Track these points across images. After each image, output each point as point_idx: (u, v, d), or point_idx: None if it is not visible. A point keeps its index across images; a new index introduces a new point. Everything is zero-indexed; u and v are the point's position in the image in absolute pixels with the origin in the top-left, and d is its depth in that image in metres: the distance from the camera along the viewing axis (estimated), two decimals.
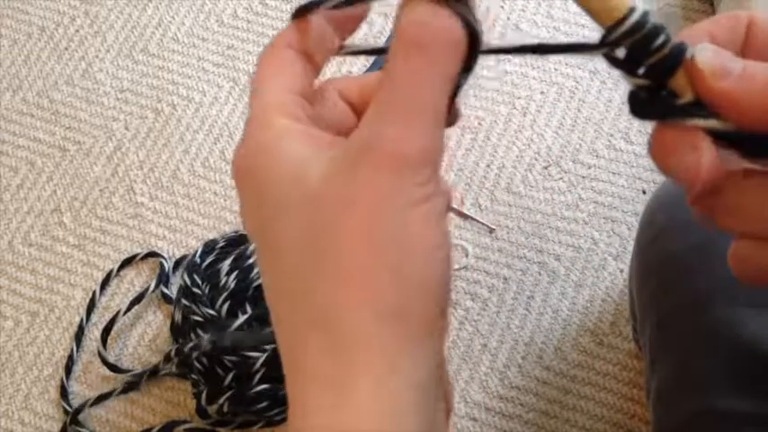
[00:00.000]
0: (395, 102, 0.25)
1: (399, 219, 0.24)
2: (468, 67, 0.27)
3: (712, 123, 0.26)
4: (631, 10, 0.26)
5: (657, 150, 0.27)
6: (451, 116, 0.27)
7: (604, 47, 0.27)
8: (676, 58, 0.26)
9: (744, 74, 0.25)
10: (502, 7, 0.90)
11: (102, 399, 0.76)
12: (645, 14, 0.26)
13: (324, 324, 0.24)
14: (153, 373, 0.76)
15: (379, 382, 0.23)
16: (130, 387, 0.76)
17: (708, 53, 0.26)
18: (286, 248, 0.25)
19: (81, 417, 0.76)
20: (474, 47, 0.28)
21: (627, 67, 0.27)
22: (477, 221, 0.79)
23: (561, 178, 0.81)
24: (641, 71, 0.27)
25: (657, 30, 0.26)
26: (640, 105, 0.28)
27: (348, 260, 0.24)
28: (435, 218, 0.24)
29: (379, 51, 0.33)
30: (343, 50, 0.31)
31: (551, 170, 0.81)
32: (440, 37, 0.26)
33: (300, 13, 0.30)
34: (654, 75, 0.27)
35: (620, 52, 0.27)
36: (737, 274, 0.27)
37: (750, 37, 0.28)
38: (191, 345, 0.69)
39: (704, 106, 0.26)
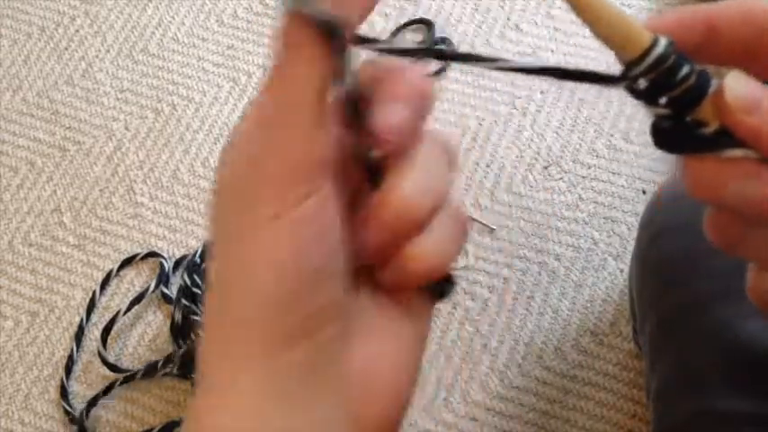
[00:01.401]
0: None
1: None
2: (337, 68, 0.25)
3: (746, 153, 0.25)
4: (654, 41, 0.25)
5: (701, 183, 0.26)
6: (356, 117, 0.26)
7: (626, 80, 0.25)
8: (702, 89, 0.25)
9: None
10: (501, 7, 0.90)
11: (97, 399, 0.76)
12: (669, 45, 0.25)
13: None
14: (150, 371, 0.76)
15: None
16: (126, 380, 0.76)
17: (736, 85, 0.25)
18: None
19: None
20: (338, 42, 0.25)
21: (648, 98, 0.26)
22: (477, 221, 0.79)
23: (561, 178, 0.81)
24: (663, 100, 0.25)
25: (682, 61, 0.25)
26: (664, 137, 0.26)
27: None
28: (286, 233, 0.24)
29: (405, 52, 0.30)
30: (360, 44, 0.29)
31: (551, 170, 0.81)
32: (286, 45, 0.25)
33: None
34: (677, 106, 0.26)
35: (642, 81, 0.25)
36: (760, 306, 0.27)
37: (711, 35, 0.26)
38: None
39: (732, 136, 0.25)
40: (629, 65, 0.25)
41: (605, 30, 0.25)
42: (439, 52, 0.28)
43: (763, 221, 0.26)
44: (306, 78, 0.25)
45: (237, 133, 0.25)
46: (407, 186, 0.25)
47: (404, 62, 0.27)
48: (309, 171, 0.24)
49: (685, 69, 0.25)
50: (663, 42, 0.25)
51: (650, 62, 0.25)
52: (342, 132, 0.26)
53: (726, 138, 0.25)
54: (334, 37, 0.25)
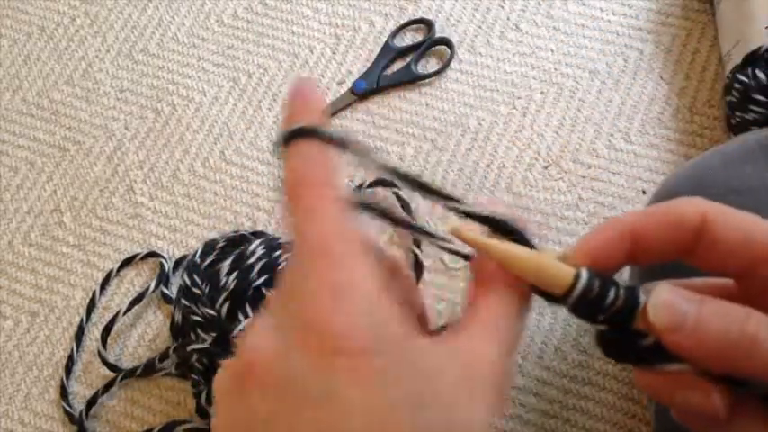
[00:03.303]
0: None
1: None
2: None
3: (682, 367, 0.26)
4: (576, 278, 0.26)
5: (650, 391, 0.27)
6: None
7: (561, 305, 0.27)
8: (631, 308, 0.26)
9: (697, 326, 0.25)
10: (501, 7, 0.90)
11: (96, 397, 0.76)
12: (590, 278, 0.26)
13: None
14: (148, 369, 0.76)
15: None
16: (126, 377, 0.76)
17: (660, 302, 0.26)
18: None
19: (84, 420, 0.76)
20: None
21: (585, 318, 0.28)
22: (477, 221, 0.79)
23: (561, 178, 0.81)
24: (600, 317, 0.27)
25: (606, 288, 0.26)
26: (609, 347, 0.28)
27: None
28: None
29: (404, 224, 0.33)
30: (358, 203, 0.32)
31: (551, 170, 0.81)
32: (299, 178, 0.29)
33: (295, 137, 0.29)
34: (613, 323, 0.27)
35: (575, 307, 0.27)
36: None
37: (706, 236, 0.27)
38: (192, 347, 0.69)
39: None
40: (558, 299, 0.27)
41: (532, 276, 0.27)
42: (415, 227, 0.31)
43: (711, 426, 0.27)
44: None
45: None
46: None
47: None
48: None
49: (611, 296, 0.26)
50: (584, 276, 0.27)
51: (576, 296, 0.27)
52: None
53: (664, 350, 0.26)
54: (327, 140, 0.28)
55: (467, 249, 0.30)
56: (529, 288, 0.28)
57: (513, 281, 0.28)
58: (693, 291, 0.26)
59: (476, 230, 0.28)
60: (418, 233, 0.31)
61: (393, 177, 0.31)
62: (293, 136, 0.28)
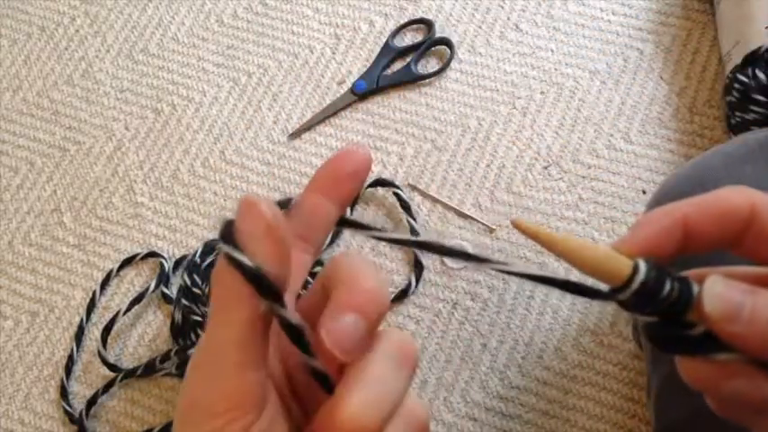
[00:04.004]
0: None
1: None
2: (274, 295, 0.25)
3: (733, 356, 0.26)
4: (635, 270, 0.26)
5: (696, 382, 0.27)
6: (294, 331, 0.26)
7: (613, 298, 0.27)
8: (685, 300, 0.26)
9: (753, 316, 0.25)
10: (501, 7, 0.90)
11: (96, 397, 0.76)
12: (649, 270, 0.26)
13: None
14: (148, 369, 0.76)
15: None
16: (126, 377, 0.76)
17: (716, 294, 0.26)
18: None
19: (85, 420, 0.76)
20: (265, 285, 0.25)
21: (637, 311, 0.27)
22: (477, 221, 0.80)
23: (561, 178, 0.81)
24: (653, 309, 0.27)
25: (662, 280, 0.26)
26: (656, 338, 0.28)
27: None
28: None
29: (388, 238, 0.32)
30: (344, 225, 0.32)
31: (551, 170, 0.81)
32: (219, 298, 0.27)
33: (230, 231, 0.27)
34: (664, 316, 0.27)
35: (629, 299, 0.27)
36: None
37: (754, 226, 0.27)
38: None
39: (717, 337, 0.26)
40: (613, 291, 0.27)
41: (589, 268, 0.27)
42: (423, 244, 0.30)
43: (757, 414, 0.27)
44: (232, 322, 0.25)
45: (186, 372, 0.27)
46: (354, 403, 0.25)
47: (365, 267, 0.27)
48: (241, 405, 0.25)
49: (667, 287, 0.26)
50: (643, 269, 0.26)
51: (634, 289, 0.26)
52: (290, 349, 0.27)
53: (712, 340, 0.26)
54: (261, 285, 0.25)
55: (469, 249, 0.30)
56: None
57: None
58: (738, 280, 0.26)
59: (537, 225, 0.28)
60: (415, 247, 0.31)
61: (402, 244, 0.31)
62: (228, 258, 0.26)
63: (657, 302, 0.26)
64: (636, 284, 0.26)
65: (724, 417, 0.28)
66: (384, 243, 0.80)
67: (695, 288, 0.26)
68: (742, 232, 0.27)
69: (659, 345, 0.28)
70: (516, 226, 0.28)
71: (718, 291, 0.26)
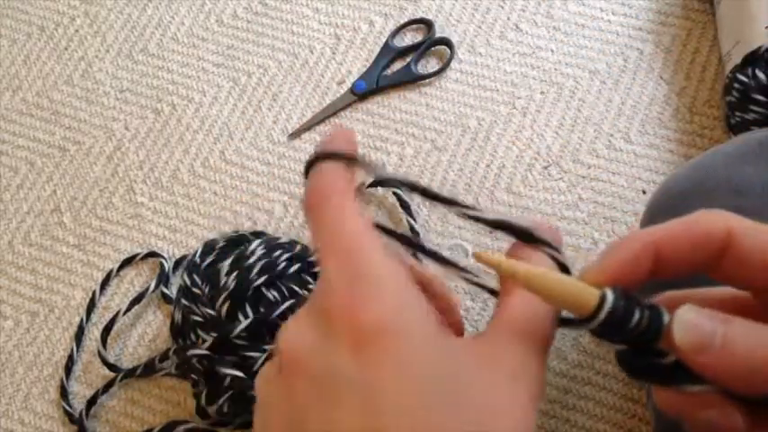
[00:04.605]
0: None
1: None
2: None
3: (704, 388, 0.26)
4: (602, 300, 0.26)
5: (670, 410, 0.27)
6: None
7: (581, 327, 0.27)
8: (656, 330, 0.26)
9: (723, 347, 0.25)
10: (501, 7, 0.90)
11: (96, 397, 0.76)
12: (616, 300, 0.26)
13: None
14: (148, 369, 0.76)
15: None
16: (126, 376, 0.76)
17: (686, 324, 0.25)
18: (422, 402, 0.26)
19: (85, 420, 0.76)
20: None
21: (606, 339, 0.27)
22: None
23: (561, 178, 0.81)
24: (623, 339, 0.27)
25: (631, 310, 0.26)
26: (628, 366, 0.28)
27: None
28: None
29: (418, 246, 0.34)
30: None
31: (551, 170, 0.81)
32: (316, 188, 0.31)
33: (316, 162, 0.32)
34: (634, 344, 0.27)
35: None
36: None
37: (731, 251, 0.27)
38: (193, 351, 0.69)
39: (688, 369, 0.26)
40: (581, 322, 0.27)
41: (554, 300, 0.27)
42: (443, 260, 0.32)
43: None
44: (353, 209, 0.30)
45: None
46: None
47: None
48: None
49: (636, 317, 0.26)
50: (610, 299, 0.26)
51: (601, 319, 0.26)
52: None
53: (684, 369, 0.26)
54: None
55: (492, 283, 0.31)
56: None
57: None
58: (712, 304, 0.26)
59: (499, 255, 0.28)
60: (443, 264, 0.32)
61: (411, 191, 0.32)
62: (317, 159, 0.31)
63: (626, 332, 0.26)
64: (603, 315, 0.26)
65: None
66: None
67: (666, 317, 0.26)
68: (718, 257, 0.27)
69: (631, 373, 0.27)
70: (477, 258, 0.29)
71: (689, 319, 0.25)
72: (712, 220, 0.27)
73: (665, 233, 0.27)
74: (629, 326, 0.26)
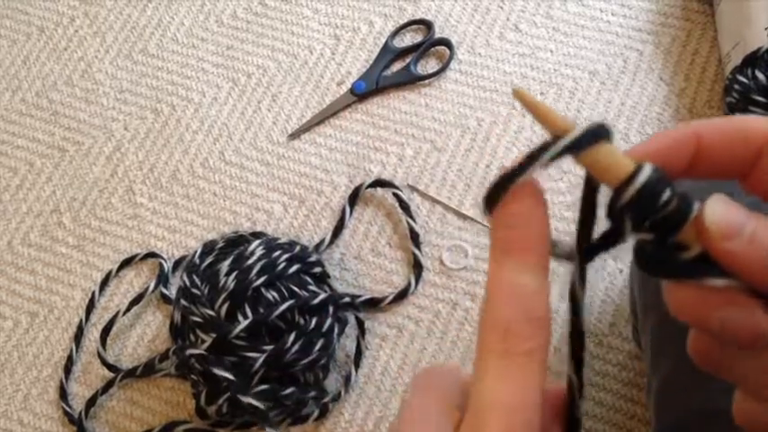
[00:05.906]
0: None
1: None
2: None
3: (727, 282, 0.25)
4: (638, 169, 0.25)
5: (683, 310, 0.26)
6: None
7: (611, 214, 0.27)
8: (684, 213, 0.25)
9: (753, 237, 0.24)
10: (501, 7, 0.90)
11: (96, 397, 0.76)
12: (653, 173, 0.25)
13: None
14: (148, 369, 0.76)
15: None
16: (125, 376, 0.76)
17: (717, 210, 0.25)
18: None
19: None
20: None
21: (632, 218, 0.26)
22: (477, 222, 0.79)
23: (561, 178, 0.81)
24: (646, 224, 0.26)
25: (664, 187, 0.25)
26: (647, 261, 0.27)
27: None
28: None
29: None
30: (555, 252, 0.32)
31: (551, 171, 0.81)
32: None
33: (498, 194, 0.29)
34: (659, 229, 0.26)
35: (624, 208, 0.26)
36: (745, 427, 0.27)
37: (765, 159, 0.26)
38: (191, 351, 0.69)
39: (711, 261, 0.25)
40: (616, 190, 0.26)
41: (590, 158, 0.27)
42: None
43: (747, 349, 0.26)
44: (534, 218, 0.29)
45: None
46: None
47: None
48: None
49: (667, 194, 0.25)
50: (647, 169, 0.25)
51: (637, 187, 0.25)
52: None
53: (707, 264, 0.25)
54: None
55: None
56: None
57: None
58: None
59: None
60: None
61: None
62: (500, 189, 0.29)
63: (656, 209, 0.25)
64: (638, 182, 0.25)
65: (703, 367, 0.28)
66: (383, 243, 0.80)
67: (696, 204, 0.25)
68: (753, 161, 0.26)
69: (649, 268, 0.26)
70: (517, 95, 0.27)
71: (721, 207, 0.25)
72: (755, 123, 0.26)
73: (709, 124, 0.27)
74: (659, 202, 0.25)
